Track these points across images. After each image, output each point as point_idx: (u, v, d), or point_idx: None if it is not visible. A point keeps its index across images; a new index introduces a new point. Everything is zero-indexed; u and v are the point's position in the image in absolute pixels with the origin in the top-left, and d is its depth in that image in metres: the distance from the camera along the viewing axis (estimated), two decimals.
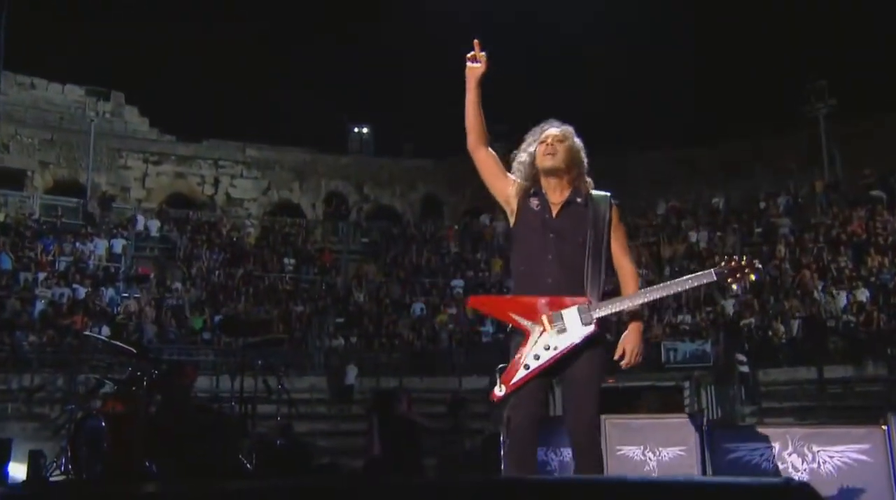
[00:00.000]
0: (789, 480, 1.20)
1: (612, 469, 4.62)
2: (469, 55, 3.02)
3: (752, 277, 2.82)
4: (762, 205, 19.10)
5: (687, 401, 13.95)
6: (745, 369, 13.63)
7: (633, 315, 2.93)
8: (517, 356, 2.79)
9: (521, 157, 3.02)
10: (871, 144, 18.86)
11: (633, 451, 4.91)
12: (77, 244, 17.27)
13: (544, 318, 2.78)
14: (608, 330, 3.01)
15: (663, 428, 4.92)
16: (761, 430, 4.64)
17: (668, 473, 4.73)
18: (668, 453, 4.77)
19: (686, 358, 14.54)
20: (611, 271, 2.93)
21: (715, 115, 26.07)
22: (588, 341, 2.77)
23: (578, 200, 2.92)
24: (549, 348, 2.76)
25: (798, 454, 4.20)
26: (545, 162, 2.92)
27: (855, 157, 18.92)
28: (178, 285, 17.15)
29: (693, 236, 18.54)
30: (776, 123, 22.33)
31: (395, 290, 18.58)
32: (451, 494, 1.21)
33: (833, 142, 19.82)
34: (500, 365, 2.83)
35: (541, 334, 2.78)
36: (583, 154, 2.99)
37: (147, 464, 4.82)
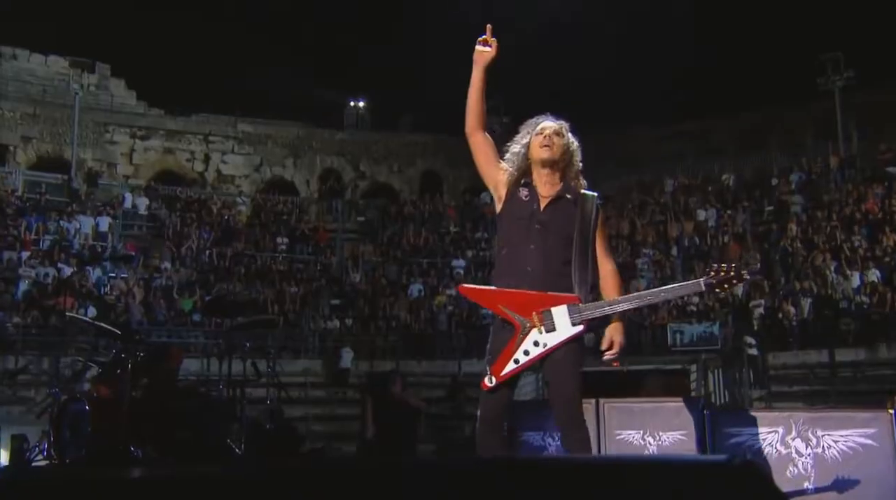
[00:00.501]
0: (732, 457, 1.15)
1: (610, 453, 4.58)
2: (480, 39, 3.05)
3: (741, 286, 2.70)
4: (774, 181, 18.64)
5: (693, 385, 13.67)
6: (753, 352, 13.39)
7: (620, 314, 3.08)
8: (506, 350, 2.91)
9: (515, 148, 3.08)
10: (889, 118, 18.28)
11: (632, 435, 4.82)
12: (62, 222, 16.97)
13: (535, 315, 2.89)
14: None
15: (664, 412, 4.80)
16: (765, 414, 4.57)
17: None
18: (669, 437, 4.70)
19: (693, 341, 14.32)
20: (595, 266, 3.06)
21: (726, 88, 25.45)
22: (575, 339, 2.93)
23: (568, 196, 3.00)
24: (538, 345, 2.89)
25: (802, 438, 4.12)
26: (542, 153, 2.99)
27: (872, 132, 18.43)
28: (166, 264, 16.73)
29: (701, 215, 18.13)
30: (790, 96, 21.64)
31: (392, 270, 18.24)
32: (441, 473, 1.19)
33: (849, 116, 19.32)
34: (488, 357, 2.98)
35: (530, 331, 2.89)
36: (578, 153, 3.08)
37: (131, 449, 4.77)
